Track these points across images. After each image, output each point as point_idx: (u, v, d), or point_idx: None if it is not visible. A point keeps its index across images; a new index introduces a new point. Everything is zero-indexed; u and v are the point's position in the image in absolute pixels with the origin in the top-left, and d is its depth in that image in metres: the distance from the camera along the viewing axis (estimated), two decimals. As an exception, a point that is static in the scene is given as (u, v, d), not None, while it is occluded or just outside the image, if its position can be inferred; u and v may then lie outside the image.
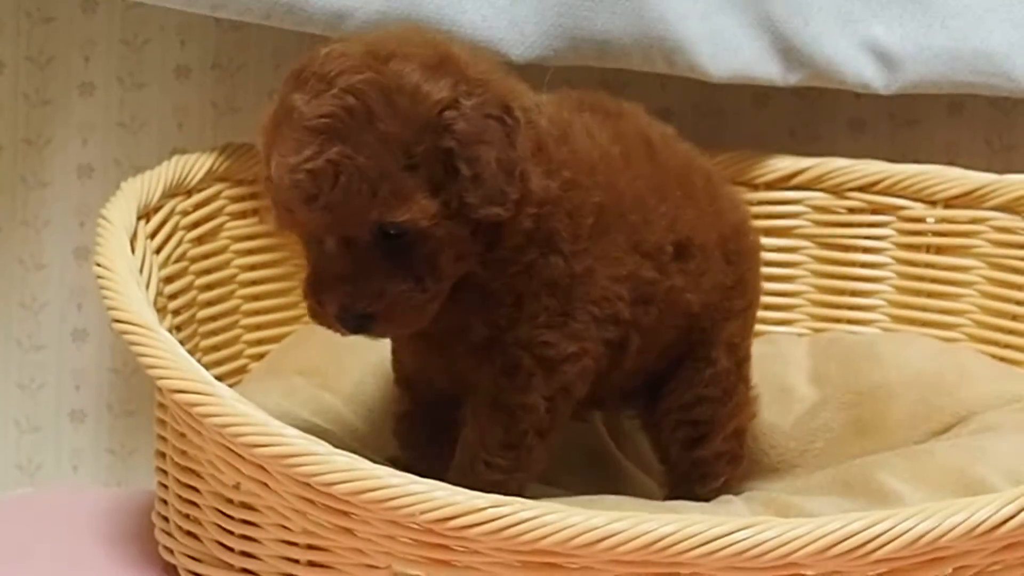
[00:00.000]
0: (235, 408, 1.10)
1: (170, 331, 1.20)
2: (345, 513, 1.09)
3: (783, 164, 1.58)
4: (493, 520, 1.03)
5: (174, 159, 1.41)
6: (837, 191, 1.58)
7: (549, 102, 1.24)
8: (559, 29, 1.46)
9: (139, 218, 1.32)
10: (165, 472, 1.25)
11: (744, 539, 1.02)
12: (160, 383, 1.15)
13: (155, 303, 1.26)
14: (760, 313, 1.42)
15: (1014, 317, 1.55)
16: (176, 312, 1.36)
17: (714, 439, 1.34)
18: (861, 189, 1.57)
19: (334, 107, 1.09)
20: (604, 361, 1.23)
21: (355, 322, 1.14)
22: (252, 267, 1.47)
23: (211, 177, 1.43)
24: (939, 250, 1.57)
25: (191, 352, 1.17)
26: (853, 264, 1.59)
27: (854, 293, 1.59)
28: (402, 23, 1.39)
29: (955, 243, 1.56)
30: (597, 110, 1.28)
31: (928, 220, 1.57)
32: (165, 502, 1.26)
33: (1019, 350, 1.54)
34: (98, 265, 1.24)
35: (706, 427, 1.34)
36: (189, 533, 1.23)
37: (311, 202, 1.10)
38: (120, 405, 1.58)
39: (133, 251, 1.27)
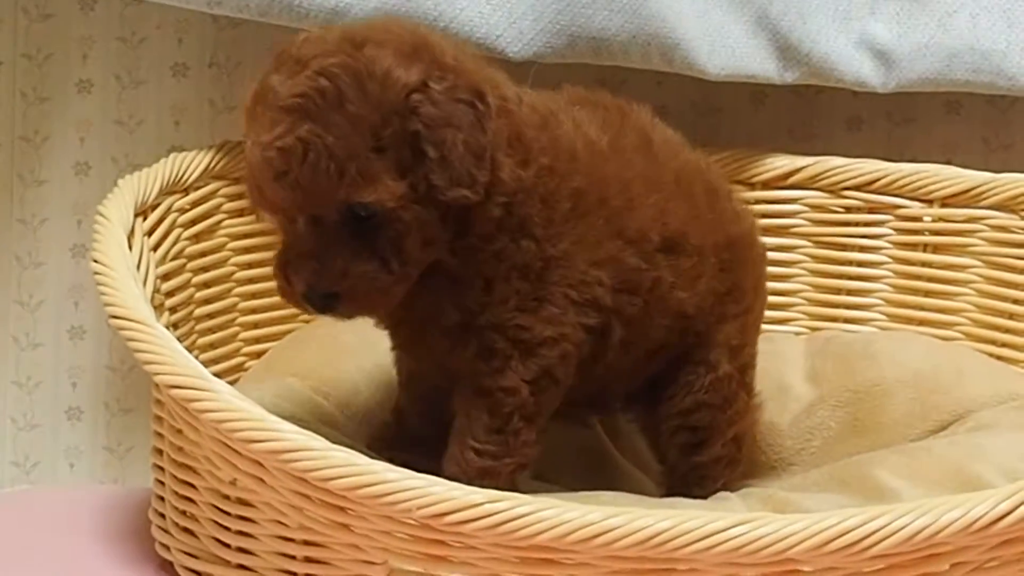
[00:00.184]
0: (232, 403, 1.10)
1: (167, 328, 1.20)
2: (342, 509, 1.09)
3: (780, 163, 1.58)
4: (490, 515, 1.03)
5: (171, 157, 1.41)
6: (834, 190, 1.58)
7: (541, 96, 1.24)
8: (556, 26, 1.46)
9: (136, 215, 1.32)
10: (162, 469, 1.25)
11: (741, 535, 1.02)
12: (157, 379, 1.15)
13: (152, 300, 1.26)
14: (758, 312, 1.42)
15: (1011, 316, 1.55)
16: (173, 310, 1.36)
17: (713, 445, 1.34)
18: (858, 188, 1.57)
19: (306, 88, 1.12)
20: (586, 348, 1.23)
21: (320, 301, 1.16)
22: (249, 265, 1.47)
23: (208, 175, 1.43)
24: (936, 249, 1.57)
25: (188, 350, 1.17)
26: (850, 263, 1.59)
27: (851, 292, 1.59)
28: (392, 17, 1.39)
29: (952, 242, 1.56)
30: (596, 104, 1.28)
31: (925, 219, 1.57)
32: (162, 499, 1.26)
33: (1016, 348, 1.54)
34: (95, 262, 1.24)
35: (705, 433, 1.33)
36: (186, 530, 1.22)
37: (280, 179, 1.12)
38: (117, 402, 1.58)
39: (130, 248, 1.27)
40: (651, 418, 1.35)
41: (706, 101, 1.61)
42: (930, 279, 1.57)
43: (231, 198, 1.45)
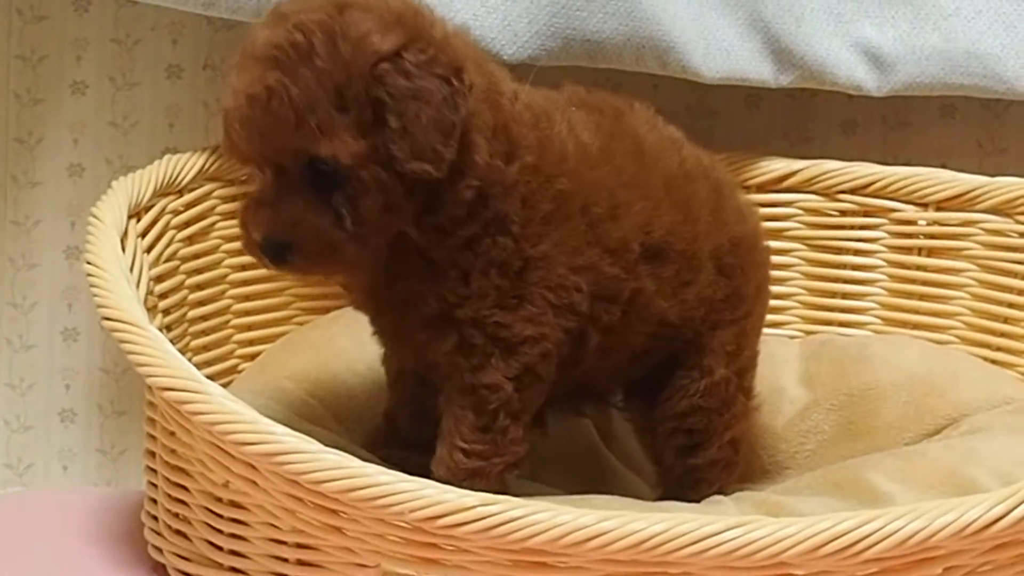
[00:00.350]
0: (224, 406, 1.10)
1: (160, 330, 1.20)
2: (334, 511, 1.09)
3: (775, 166, 1.58)
4: (482, 519, 1.03)
5: (165, 158, 1.41)
6: (829, 193, 1.58)
7: (540, 95, 1.24)
8: (551, 29, 1.46)
9: (130, 217, 1.32)
10: (155, 471, 1.25)
11: (734, 538, 1.02)
12: (150, 381, 1.15)
13: (145, 302, 1.26)
14: (754, 315, 1.42)
15: (1005, 320, 1.55)
16: (166, 311, 1.36)
17: (709, 448, 1.33)
18: (853, 191, 1.57)
19: (282, 40, 1.14)
20: (565, 349, 1.23)
21: (273, 251, 1.17)
22: (243, 267, 1.47)
23: (202, 176, 1.43)
24: (931, 252, 1.57)
25: (181, 352, 1.17)
26: (845, 266, 1.59)
27: (846, 295, 1.59)
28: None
29: (947, 245, 1.56)
30: (593, 107, 1.28)
31: (920, 222, 1.57)
32: (155, 501, 1.25)
33: (1010, 352, 1.54)
34: (88, 264, 1.23)
35: (701, 436, 1.33)
36: (178, 532, 1.22)
37: (246, 125, 1.15)
38: (110, 405, 1.58)
39: (124, 250, 1.27)
40: (647, 419, 1.35)
41: (701, 104, 1.61)
42: (925, 283, 1.57)
43: (225, 200, 1.45)
